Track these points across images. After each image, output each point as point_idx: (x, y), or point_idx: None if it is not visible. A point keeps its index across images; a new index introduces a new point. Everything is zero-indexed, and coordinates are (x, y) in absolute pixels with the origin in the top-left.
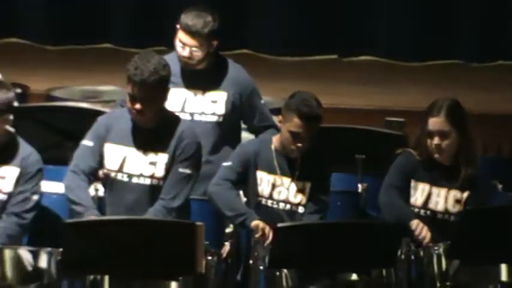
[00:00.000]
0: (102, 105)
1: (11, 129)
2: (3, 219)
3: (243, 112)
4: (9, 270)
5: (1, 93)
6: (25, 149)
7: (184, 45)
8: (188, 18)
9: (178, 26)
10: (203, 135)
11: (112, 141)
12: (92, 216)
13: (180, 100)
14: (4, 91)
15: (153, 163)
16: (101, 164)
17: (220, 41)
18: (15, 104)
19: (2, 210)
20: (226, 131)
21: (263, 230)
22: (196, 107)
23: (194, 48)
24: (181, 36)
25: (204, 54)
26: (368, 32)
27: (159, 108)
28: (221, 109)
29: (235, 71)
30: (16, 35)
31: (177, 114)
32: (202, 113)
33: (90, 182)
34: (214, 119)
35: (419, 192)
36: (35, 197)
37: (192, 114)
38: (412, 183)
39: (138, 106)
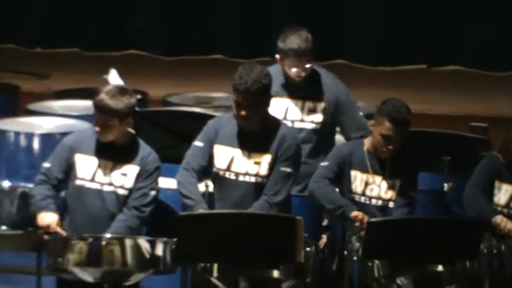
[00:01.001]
0: (213, 110)
1: (132, 131)
2: (124, 213)
3: (339, 121)
4: (129, 258)
5: (124, 98)
6: (144, 149)
7: (297, 67)
8: (291, 42)
9: (278, 56)
10: (302, 140)
11: (220, 142)
12: (201, 209)
13: (282, 109)
14: (127, 97)
15: (257, 163)
16: (210, 163)
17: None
18: (136, 108)
19: (123, 204)
20: (322, 136)
21: (361, 219)
22: (297, 115)
23: (307, 65)
24: (291, 61)
25: (310, 67)
26: (455, 43)
27: (262, 113)
28: (318, 117)
29: (331, 81)
30: (134, 47)
31: None
32: (302, 121)
33: (200, 179)
34: (312, 126)
35: (502, 192)
36: (153, 193)
37: (292, 122)
38: (496, 183)
39: (243, 112)
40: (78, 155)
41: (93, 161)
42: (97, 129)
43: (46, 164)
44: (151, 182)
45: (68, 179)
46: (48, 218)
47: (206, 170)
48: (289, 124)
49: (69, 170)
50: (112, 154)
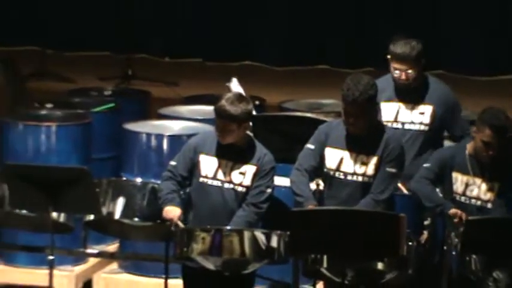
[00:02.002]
0: (324, 115)
1: (250, 134)
2: (243, 209)
3: (446, 123)
4: (247, 248)
5: (242, 105)
6: (261, 150)
7: (400, 70)
8: (397, 48)
9: (389, 57)
10: (411, 141)
11: (331, 145)
12: (311, 206)
13: (393, 112)
14: (245, 103)
15: (364, 163)
16: (320, 164)
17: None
18: (254, 113)
19: (242, 200)
20: (430, 138)
21: (460, 216)
22: (407, 117)
23: (409, 71)
24: (395, 64)
25: (416, 73)
26: None
27: (368, 120)
28: (427, 119)
29: (439, 87)
30: (250, 58)
31: (390, 123)
32: (412, 123)
33: (311, 178)
34: (421, 127)
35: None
36: (269, 190)
37: (403, 124)
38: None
39: (351, 120)
40: (202, 155)
41: (215, 160)
42: (217, 132)
43: (172, 162)
44: (267, 180)
45: (192, 177)
46: (172, 212)
47: (317, 171)
48: (400, 126)
49: (193, 168)
50: (232, 155)
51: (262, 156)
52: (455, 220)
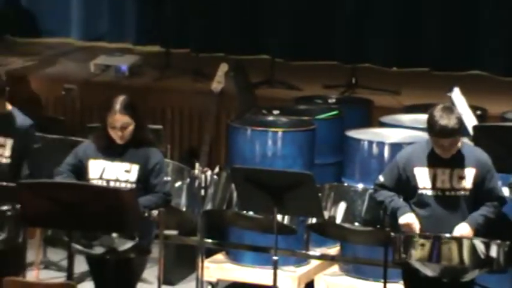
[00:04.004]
0: None
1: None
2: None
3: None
4: (466, 256)
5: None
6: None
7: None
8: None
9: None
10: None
11: None
12: None
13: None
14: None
15: None
16: None
17: None
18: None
19: (471, 204)
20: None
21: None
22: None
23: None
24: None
25: None
26: None
27: None
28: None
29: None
30: (477, 67)
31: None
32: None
33: None
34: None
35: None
36: None
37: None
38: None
39: None
40: (416, 168)
41: (428, 171)
42: (441, 150)
43: (381, 178)
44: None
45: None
46: (408, 218)
47: None
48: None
49: (405, 180)
50: (446, 161)
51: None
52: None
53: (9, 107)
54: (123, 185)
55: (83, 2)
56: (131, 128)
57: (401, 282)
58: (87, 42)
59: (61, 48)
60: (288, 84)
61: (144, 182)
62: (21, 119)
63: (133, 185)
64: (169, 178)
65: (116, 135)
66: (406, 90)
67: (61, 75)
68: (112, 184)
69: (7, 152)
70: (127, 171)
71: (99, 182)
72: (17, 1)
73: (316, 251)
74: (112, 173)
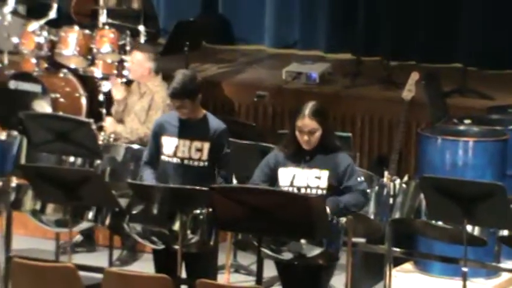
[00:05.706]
0: None
1: None
2: None
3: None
4: None
5: None
6: None
7: None
8: None
9: None
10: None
11: None
12: None
13: None
14: None
15: None
16: None
17: None
18: None
19: None
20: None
21: None
22: None
23: None
24: None
25: None
26: None
27: None
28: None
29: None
30: None
31: None
32: None
33: None
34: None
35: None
36: None
37: None
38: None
39: None
40: None
41: None
42: None
43: None
44: None
45: None
46: None
47: None
48: None
49: None
50: None
51: None
52: None
53: (203, 111)
54: (313, 191)
55: (275, 10)
56: (318, 134)
57: None
58: (279, 50)
59: (254, 56)
60: (480, 93)
61: (337, 187)
62: (216, 123)
63: (324, 192)
64: (363, 178)
65: (303, 140)
66: None
67: (254, 82)
68: (303, 191)
69: (205, 156)
70: (317, 177)
71: (290, 190)
72: (215, 10)
73: (508, 264)
74: (302, 180)
